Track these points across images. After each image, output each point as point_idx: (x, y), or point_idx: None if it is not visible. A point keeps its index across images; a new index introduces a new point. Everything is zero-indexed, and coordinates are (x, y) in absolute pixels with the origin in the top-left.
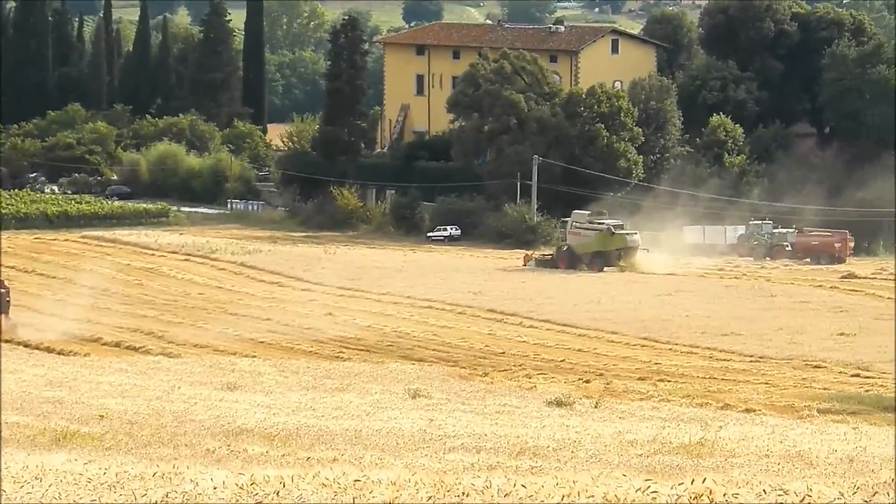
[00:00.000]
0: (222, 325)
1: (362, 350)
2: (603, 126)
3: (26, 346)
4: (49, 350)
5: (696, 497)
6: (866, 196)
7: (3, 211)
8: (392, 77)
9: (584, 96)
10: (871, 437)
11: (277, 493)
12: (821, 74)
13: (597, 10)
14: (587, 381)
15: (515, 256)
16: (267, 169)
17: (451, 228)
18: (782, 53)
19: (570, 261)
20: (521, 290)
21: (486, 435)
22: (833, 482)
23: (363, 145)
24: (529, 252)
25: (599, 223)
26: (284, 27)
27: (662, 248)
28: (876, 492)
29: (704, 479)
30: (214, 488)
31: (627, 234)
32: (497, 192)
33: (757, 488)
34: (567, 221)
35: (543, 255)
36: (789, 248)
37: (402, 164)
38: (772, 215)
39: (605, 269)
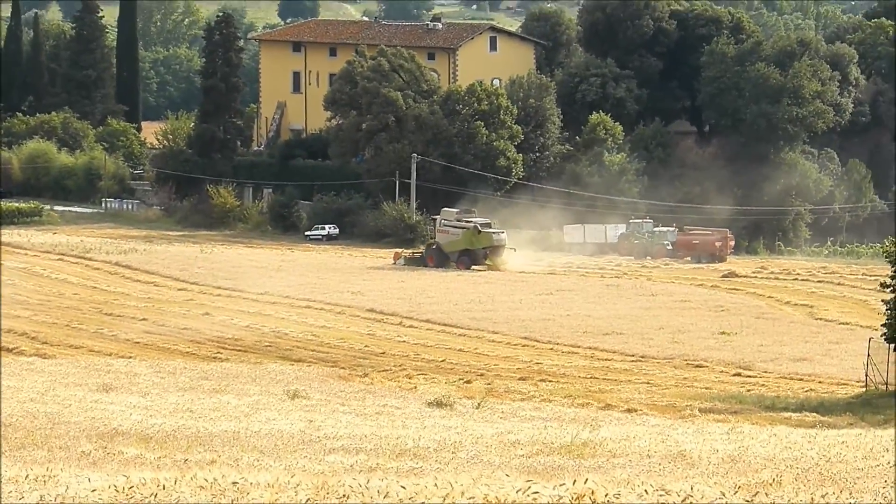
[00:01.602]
0: (97, 326)
1: (240, 351)
2: (482, 124)
3: None
4: None
5: (577, 497)
6: (751, 193)
7: None
8: (268, 74)
9: (462, 94)
10: (752, 437)
11: (155, 496)
12: (700, 72)
13: (474, 6)
14: (468, 382)
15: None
16: (142, 167)
17: (330, 227)
18: (661, 51)
19: (438, 259)
20: (400, 290)
21: (366, 436)
22: (715, 482)
23: (239, 143)
24: (399, 250)
25: (467, 221)
26: (158, 24)
27: (540, 247)
28: (757, 492)
29: (586, 479)
30: (93, 490)
31: (494, 232)
32: (376, 191)
33: (639, 489)
34: (436, 219)
35: (413, 253)
36: (670, 247)
37: (279, 163)
38: (652, 214)
39: (473, 267)
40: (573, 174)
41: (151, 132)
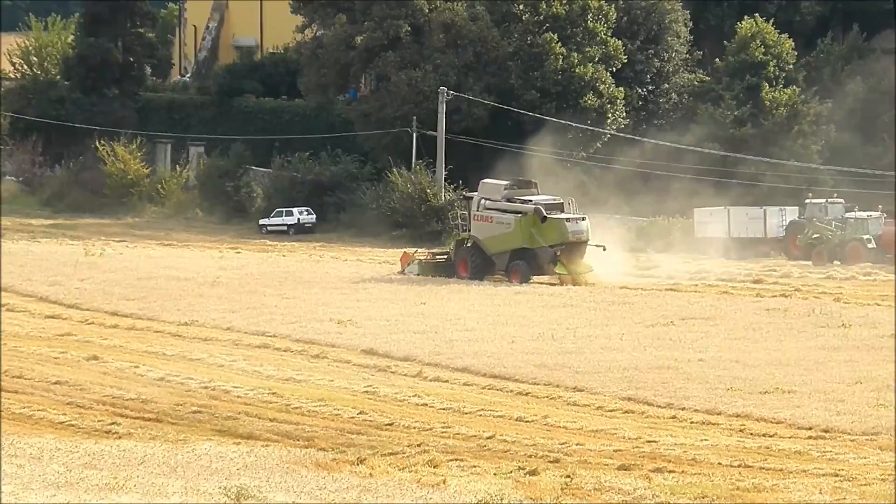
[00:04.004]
0: None
1: (150, 420)
2: (555, 37)
3: None
4: None
5: None
6: None
7: None
8: None
9: None
10: None
11: None
12: None
13: None
14: (533, 473)
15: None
16: None
17: (300, 212)
18: None
19: (475, 264)
20: (418, 318)
21: None
22: None
23: (149, 70)
24: (411, 251)
25: (523, 201)
26: None
27: (651, 244)
28: None
29: None
30: None
31: (570, 219)
32: (377, 151)
33: None
34: (471, 199)
35: (433, 254)
36: (872, 245)
37: (218, 103)
38: (843, 190)
39: (534, 278)
40: (711, 121)
41: (3, 51)
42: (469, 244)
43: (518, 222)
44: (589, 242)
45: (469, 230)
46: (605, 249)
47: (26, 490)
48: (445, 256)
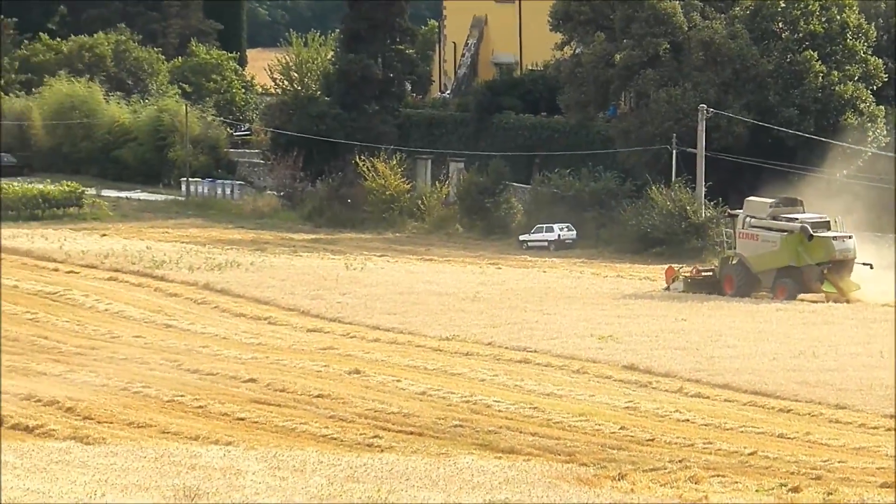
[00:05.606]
0: (174, 391)
1: (411, 434)
2: (814, 55)
3: None
4: None
5: None
6: None
7: None
8: None
9: (781, 6)
10: None
11: None
12: None
13: None
14: (795, 490)
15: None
16: (247, 126)
17: (560, 228)
18: None
19: (741, 281)
20: (679, 334)
21: None
22: None
23: (409, 86)
24: (677, 266)
25: (789, 219)
26: None
27: None
28: None
29: None
30: None
31: (836, 237)
32: (637, 167)
33: None
34: (736, 216)
35: (699, 271)
36: None
37: (477, 120)
38: None
39: (800, 296)
40: None
41: (262, 67)
42: (734, 262)
43: (784, 240)
44: (856, 260)
45: (734, 248)
46: (871, 267)
47: (288, 502)
48: (710, 273)
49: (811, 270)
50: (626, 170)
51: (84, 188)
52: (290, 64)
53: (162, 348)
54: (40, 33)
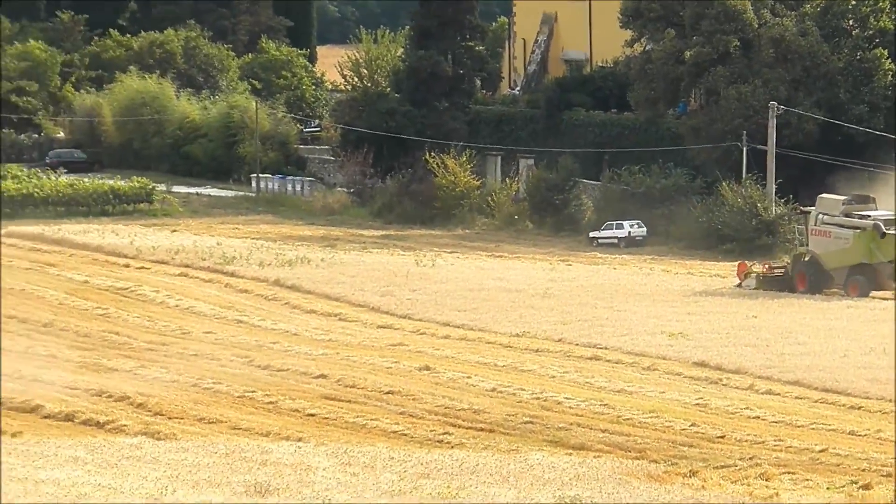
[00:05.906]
0: (245, 387)
1: (482, 430)
2: (885, 52)
3: None
4: None
5: None
6: None
7: None
8: None
9: (852, 3)
10: None
11: None
12: None
13: None
14: (867, 487)
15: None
16: (317, 123)
17: (631, 225)
18: None
19: (813, 278)
20: (750, 331)
21: None
22: None
23: (479, 83)
24: (748, 263)
25: (862, 216)
26: None
27: None
28: None
29: None
30: None
31: None
32: (708, 164)
33: None
34: (808, 213)
35: (771, 268)
36: None
37: (547, 116)
38: None
39: (872, 293)
40: None
41: (332, 64)
42: (807, 259)
43: (857, 237)
44: None
45: (807, 245)
46: None
47: (358, 497)
48: (783, 270)
49: (884, 268)
50: (696, 166)
51: (154, 184)
52: (360, 61)
53: (233, 344)
54: (111, 30)
